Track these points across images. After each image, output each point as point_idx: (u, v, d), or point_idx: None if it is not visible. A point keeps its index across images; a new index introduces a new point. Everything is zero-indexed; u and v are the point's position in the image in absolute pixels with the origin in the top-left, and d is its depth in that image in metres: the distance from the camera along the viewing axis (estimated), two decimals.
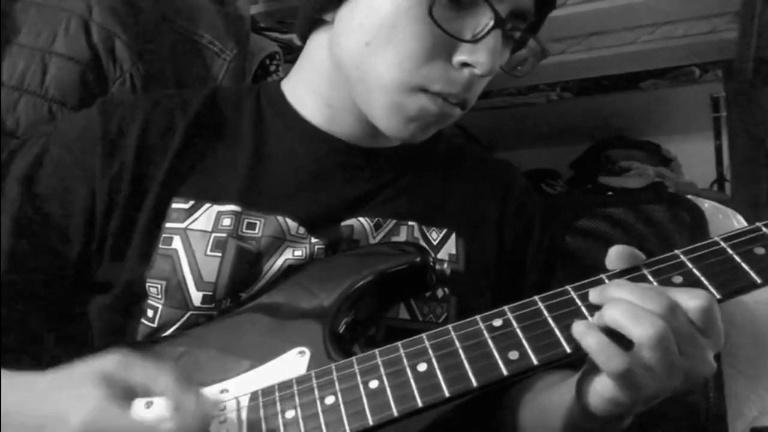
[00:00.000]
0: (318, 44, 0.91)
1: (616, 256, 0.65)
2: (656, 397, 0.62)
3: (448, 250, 0.91)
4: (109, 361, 0.60)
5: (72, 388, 0.58)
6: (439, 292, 0.88)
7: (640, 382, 0.59)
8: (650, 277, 0.64)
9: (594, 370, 0.64)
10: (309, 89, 0.93)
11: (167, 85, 1.29)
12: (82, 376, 0.59)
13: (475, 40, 0.79)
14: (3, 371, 0.64)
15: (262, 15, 1.90)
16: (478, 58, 0.79)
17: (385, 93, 0.82)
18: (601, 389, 0.62)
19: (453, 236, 0.92)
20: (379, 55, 0.81)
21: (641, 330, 0.58)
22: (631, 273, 0.65)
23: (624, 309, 0.59)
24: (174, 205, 0.85)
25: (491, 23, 0.78)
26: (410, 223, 0.90)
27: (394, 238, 0.89)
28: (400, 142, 0.96)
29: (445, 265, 0.85)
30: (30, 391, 0.61)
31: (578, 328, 0.60)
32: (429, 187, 0.95)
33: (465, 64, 0.80)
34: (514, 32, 0.85)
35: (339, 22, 0.85)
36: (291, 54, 1.73)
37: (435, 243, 0.90)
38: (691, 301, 0.60)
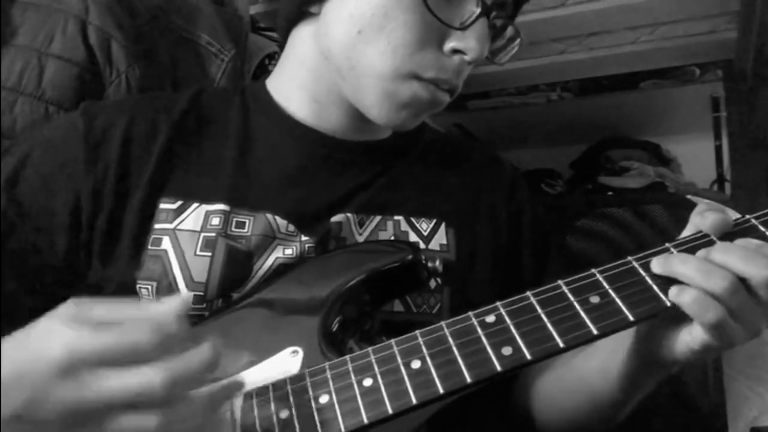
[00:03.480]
0: (302, 38, 0.92)
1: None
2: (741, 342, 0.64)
3: (438, 240, 0.91)
4: (65, 306, 0.58)
5: (38, 331, 0.56)
6: (432, 283, 0.88)
7: (733, 331, 0.62)
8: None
9: (675, 326, 0.66)
10: (294, 84, 0.93)
11: (164, 87, 1.29)
12: (45, 322, 0.57)
13: (463, 28, 0.82)
14: None
15: (262, 15, 1.90)
16: (468, 44, 0.82)
17: (378, 81, 0.84)
18: (692, 341, 0.65)
19: (443, 226, 0.92)
20: (371, 43, 0.82)
21: (757, 270, 0.61)
22: (623, 265, 0.66)
23: (741, 253, 0.62)
24: (162, 206, 0.85)
25: (478, 11, 0.81)
26: (396, 217, 0.91)
27: (381, 234, 0.90)
28: (390, 131, 0.96)
29: (437, 262, 0.85)
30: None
31: (673, 291, 0.63)
32: (416, 178, 0.96)
33: (455, 51, 0.83)
34: (497, 21, 0.88)
35: (326, 14, 0.86)
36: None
37: (425, 233, 0.91)
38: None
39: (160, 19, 1.33)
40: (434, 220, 0.92)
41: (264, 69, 1.60)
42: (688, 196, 1.43)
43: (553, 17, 1.97)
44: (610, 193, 2.38)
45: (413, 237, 0.90)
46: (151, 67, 1.26)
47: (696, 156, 2.56)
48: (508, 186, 1.01)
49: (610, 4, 1.94)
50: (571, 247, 1.37)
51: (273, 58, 1.62)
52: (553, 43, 2.17)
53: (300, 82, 0.92)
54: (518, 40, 0.91)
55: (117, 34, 1.22)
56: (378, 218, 0.90)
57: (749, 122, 2.14)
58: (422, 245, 0.89)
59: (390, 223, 0.90)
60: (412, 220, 0.91)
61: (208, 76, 1.36)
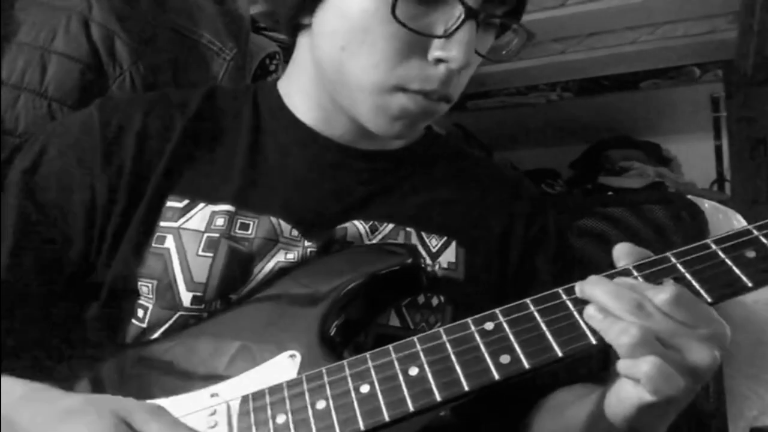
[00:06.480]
0: (303, 46, 0.90)
1: (621, 253, 0.65)
2: (677, 400, 0.59)
3: (447, 258, 0.89)
4: (133, 406, 0.60)
5: (87, 416, 0.59)
6: (434, 300, 0.86)
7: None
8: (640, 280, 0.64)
9: (613, 381, 0.63)
10: (300, 90, 0.92)
11: (166, 85, 1.29)
12: (101, 409, 0.59)
13: (447, 35, 0.77)
14: (22, 380, 0.66)
15: (261, 15, 1.90)
16: (450, 53, 0.77)
17: (366, 95, 0.81)
18: (625, 395, 0.61)
19: (453, 244, 0.90)
20: (354, 58, 0.80)
21: (616, 337, 0.58)
22: (621, 276, 0.64)
23: (600, 317, 0.60)
24: (169, 204, 0.84)
25: (462, 16, 0.76)
26: (408, 229, 0.89)
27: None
28: (401, 141, 0.95)
29: (437, 267, 0.85)
30: (45, 405, 0.62)
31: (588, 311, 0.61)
32: (430, 192, 0.94)
33: (440, 60, 0.78)
34: (493, 19, 0.82)
35: (316, 26, 0.84)
36: (291, 54, 1.73)
37: (434, 250, 0.89)
38: (657, 296, 0.59)
39: (161, 17, 1.32)
40: (445, 238, 0.89)
41: (265, 69, 1.60)
42: (689, 196, 1.43)
43: (553, 17, 1.98)
44: (610, 193, 2.39)
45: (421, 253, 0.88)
46: (153, 65, 1.25)
47: (696, 156, 2.57)
48: (527, 212, 0.97)
49: (610, 4, 1.95)
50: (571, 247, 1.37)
51: (273, 57, 1.62)
52: (553, 43, 2.18)
53: (305, 88, 0.91)
54: (517, 39, 0.86)
55: (120, 31, 1.22)
56: (390, 226, 0.88)
57: (749, 122, 2.14)
58: (429, 262, 0.87)
59: (402, 234, 0.88)
60: (423, 235, 0.89)
61: (210, 75, 1.35)
